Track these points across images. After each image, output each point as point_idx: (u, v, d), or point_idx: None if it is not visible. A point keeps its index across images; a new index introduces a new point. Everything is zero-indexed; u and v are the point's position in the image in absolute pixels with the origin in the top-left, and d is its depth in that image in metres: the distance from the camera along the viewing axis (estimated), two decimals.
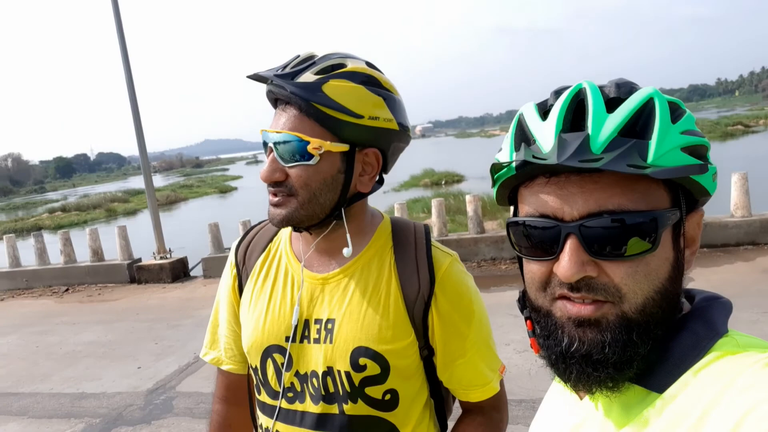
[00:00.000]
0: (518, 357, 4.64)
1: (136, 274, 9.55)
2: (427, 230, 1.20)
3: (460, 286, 1.15)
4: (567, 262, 0.60)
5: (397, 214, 8.58)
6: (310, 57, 1.09)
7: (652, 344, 0.62)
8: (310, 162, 1.05)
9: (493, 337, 1.20)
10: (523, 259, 0.69)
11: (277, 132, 1.06)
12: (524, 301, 0.71)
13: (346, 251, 1.11)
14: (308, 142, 1.04)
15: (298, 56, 1.10)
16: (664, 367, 0.62)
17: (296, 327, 1.15)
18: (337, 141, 1.06)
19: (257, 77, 1.09)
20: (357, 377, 1.10)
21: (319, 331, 1.13)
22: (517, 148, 0.66)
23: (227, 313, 1.30)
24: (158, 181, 52.24)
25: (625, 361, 0.61)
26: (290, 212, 1.08)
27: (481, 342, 1.16)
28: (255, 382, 1.23)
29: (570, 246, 0.61)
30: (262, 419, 1.20)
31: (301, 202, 1.07)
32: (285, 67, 1.07)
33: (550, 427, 0.77)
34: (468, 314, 1.14)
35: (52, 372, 5.78)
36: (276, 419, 1.16)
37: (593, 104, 0.62)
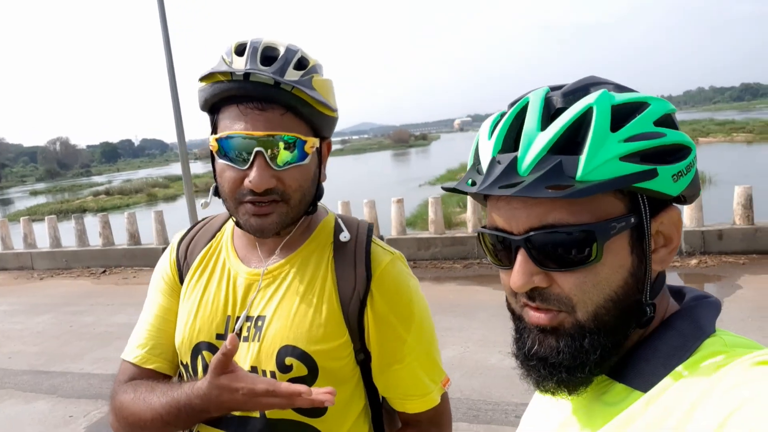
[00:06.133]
0: None
1: None
2: (371, 228, 1.15)
3: (400, 285, 1.08)
4: (516, 274, 0.63)
5: (431, 209, 8.44)
6: (273, 49, 1.02)
7: (605, 351, 0.63)
8: (304, 162, 1.02)
9: (437, 346, 1.13)
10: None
11: (272, 134, 0.98)
12: (510, 306, 0.72)
13: (343, 236, 1.10)
14: (305, 142, 1.01)
15: (255, 48, 1.00)
16: (649, 366, 0.63)
17: (228, 324, 1.07)
18: (312, 135, 1.04)
19: (257, 75, 0.97)
20: (282, 378, 1.01)
21: (248, 329, 1.06)
22: (471, 166, 0.69)
23: (158, 308, 1.17)
24: (199, 168, 53.23)
25: (576, 366, 0.63)
26: (282, 218, 1.03)
27: (421, 349, 1.09)
28: (185, 380, 1.11)
29: (520, 258, 0.63)
30: None
31: (292, 205, 1.03)
32: (261, 62, 0.99)
33: (538, 425, 0.77)
34: (407, 317, 1.07)
35: (84, 352, 5.88)
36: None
37: (528, 121, 0.62)
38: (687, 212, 7.34)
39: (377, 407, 1.15)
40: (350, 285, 1.06)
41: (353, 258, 1.08)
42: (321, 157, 1.09)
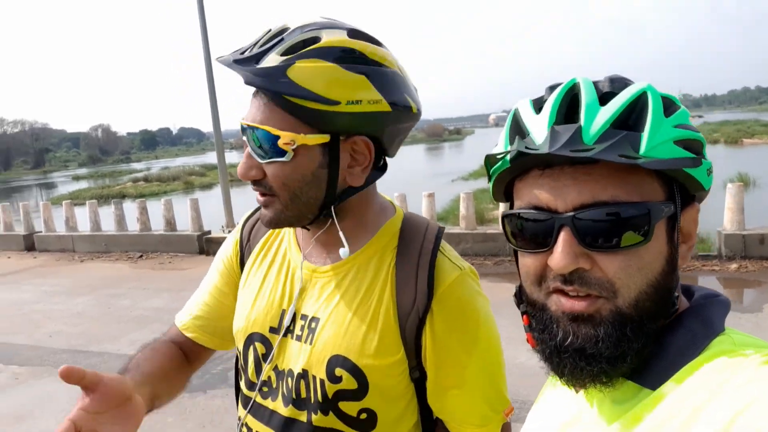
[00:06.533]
0: None
1: (205, 245, 9.87)
2: (440, 234, 1.03)
3: (465, 307, 0.98)
4: (560, 254, 0.60)
5: (462, 204, 8.39)
6: (282, 31, 0.94)
7: (646, 339, 0.61)
8: (284, 159, 0.92)
9: (503, 372, 1.03)
10: (519, 253, 0.68)
11: (247, 124, 0.93)
12: (521, 296, 0.71)
13: (343, 252, 0.99)
14: (278, 137, 0.91)
15: (269, 30, 0.95)
16: (658, 364, 0.62)
17: (282, 319, 1.04)
18: (315, 132, 0.92)
19: (221, 61, 0.94)
20: (331, 389, 0.98)
21: (302, 328, 1.02)
22: (511, 142, 0.67)
23: (212, 287, 1.20)
24: (235, 157, 53.99)
25: (618, 355, 0.61)
26: (276, 214, 0.97)
27: (483, 376, 1.00)
28: (238, 367, 1.14)
29: (563, 238, 0.61)
30: (240, 408, 1.11)
31: (283, 202, 0.96)
32: (253, 46, 0.93)
33: (544, 422, 0.76)
34: (470, 341, 0.98)
35: (121, 334, 6.05)
36: (248, 412, 1.07)
37: (586, 97, 0.63)
38: (728, 215, 7.14)
39: (430, 423, 1.07)
40: (410, 299, 0.97)
41: (415, 269, 0.98)
42: (335, 155, 0.94)
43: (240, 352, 1.11)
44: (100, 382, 0.81)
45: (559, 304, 0.63)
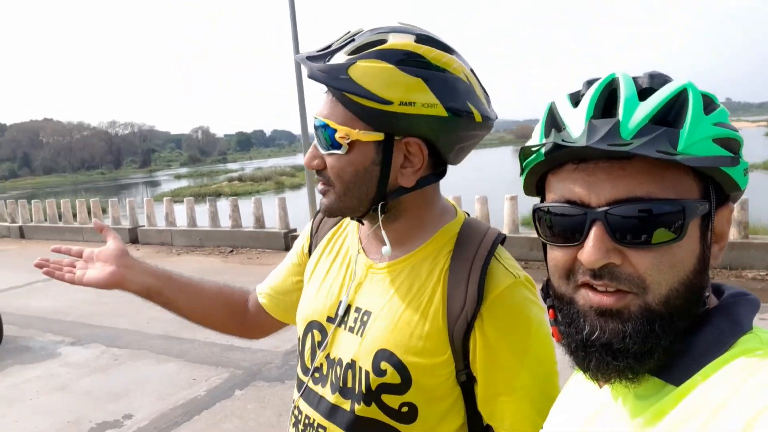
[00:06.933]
0: None
1: (290, 242, 10.20)
2: (497, 240, 1.02)
3: (517, 316, 0.97)
4: (591, 248, 0.60)
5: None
6: (357, 33, 0.99)
7: (674, 336, 0.61)
8: (340, 151, 0.98)
9: (556, 382, 1.00)
10: (548, 246, 0.69)
11: (315, 117, 1.01)
12: (547, 290, 0.71)
13: (385, 250, 1.02)
14: (336, 131, 0.97)
15: (348, 32, 1.00)
16: (683, 361, 0.61)
17: (339, 309, 1.10)
18: (370, 129, 0.96)
19: (297, 59, 1.03)
20: (375, 381, 1.01)
21: (355, 320, 1.07)
22: (546, 135, 0.67)
23: (285, 269, 1.34)
24: None
25: (645, 352, 0.60)
26: (330, 203, 1.04)
27: (534, 385, 0.98)
28: (297, 352, 1.21)
29: (595, 232, 0.60)
30: (295, 391, 1.18)
31: (338, 193, 1.01)
32: (329, 46, 0.99)
33: (567, 416, 0.76)
34: (522, 349, 0.97)
35: None
36: (300, 395, 1.13)
37: (626, 92, 0.63)
38: None
39: (478, 429, 1.06)
40: (459, 303, 0.97)
41: (468, 273, 0.98)
42: (389, 154, 0.97)
43: (299, 338, 1.17)
44: (112, 238, 1.31)
45: (587, 298, 0.63)
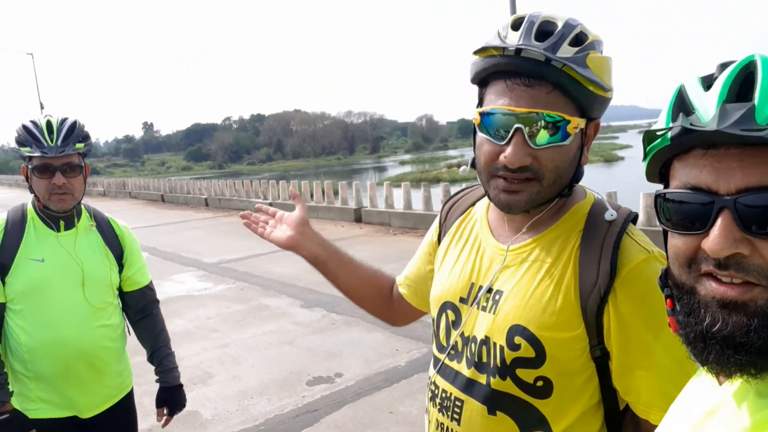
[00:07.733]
0: None
1: None
2: (629, 218, 1.03)
3: (651, 290, 0.94)
4: (717, 237, 0.58)
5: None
6: (549, 23, 1.00)
7: None
8: (565, 142, 0.99)
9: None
10: (669, 234, 0.67)
11: (535, 111, 0.97)
12: (666, 279, 0.69)
13: (609, 214, 1.05)
14: (568, 122, 0.98)
15: (532, 22, 1.00)
16: None
17: (471, 290, 1.15)
18: (577, 115, 1.00)
19: (528, 54, 0.97)
20: (509, 355, 1.04)
21: (488, 300, 1.11)
22: (674, 118, 0.64)
23: (419, 258, 1.43)
24: None
25: None
26: (532, 197, 1.02)
27: (671, 361, 0.95)
28: (432, 332, 1.27)
29: (722, 221, 0.58)
30: (431, 368, 1.24)
31: (545, 185, 1.01)
32: (535, 37, 0.98)
33: (685, 411, 0.74)
34: (657, 324, 0.95)
35: None
36: (437, 372, 1.19)
37: (763, 75, 0.59)
38: None
39: (614, 408, 1.07)
40: (592, 278, 0.99)
41: (600, 249, 1.00)
42: (585, 138, 1.05)
43: (434, 319, 1.24)
44: (300, 207, 1.48)
45: (710, 288, 0.60)
